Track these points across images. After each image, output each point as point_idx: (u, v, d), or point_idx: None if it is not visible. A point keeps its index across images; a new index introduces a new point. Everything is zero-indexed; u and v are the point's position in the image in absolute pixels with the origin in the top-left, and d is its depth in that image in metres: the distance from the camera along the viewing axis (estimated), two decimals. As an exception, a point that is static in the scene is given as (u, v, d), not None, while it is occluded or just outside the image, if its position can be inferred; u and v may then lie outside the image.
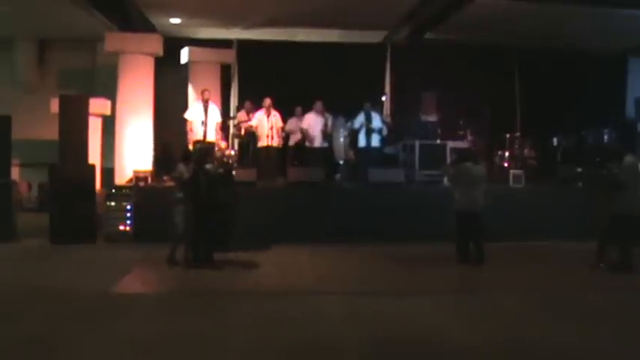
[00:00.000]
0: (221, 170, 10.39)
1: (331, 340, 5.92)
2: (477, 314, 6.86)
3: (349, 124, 13.97)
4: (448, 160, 12.88)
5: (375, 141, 13.73)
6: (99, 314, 6.68)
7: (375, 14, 14.52)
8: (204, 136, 13.14)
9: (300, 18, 15.07)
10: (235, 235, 10.91)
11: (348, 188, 13.01)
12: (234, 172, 11.46)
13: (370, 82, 16.54)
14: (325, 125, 13.87)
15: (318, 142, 13.92)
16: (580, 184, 12.52)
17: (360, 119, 13.64)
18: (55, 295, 7.53)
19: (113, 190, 12.01)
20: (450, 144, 13.44)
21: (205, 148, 9.64)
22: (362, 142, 13.71)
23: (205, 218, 9.11)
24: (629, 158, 8.97)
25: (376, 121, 13.73)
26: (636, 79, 18.17)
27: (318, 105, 13.94)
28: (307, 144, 13.99)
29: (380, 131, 13.82)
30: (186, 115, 13.55)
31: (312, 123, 13.90)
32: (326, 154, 13.97)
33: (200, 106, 13.42)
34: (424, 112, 14.60)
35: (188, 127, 13.36)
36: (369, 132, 13.58)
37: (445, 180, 12.26)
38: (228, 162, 12.63)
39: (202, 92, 13.60)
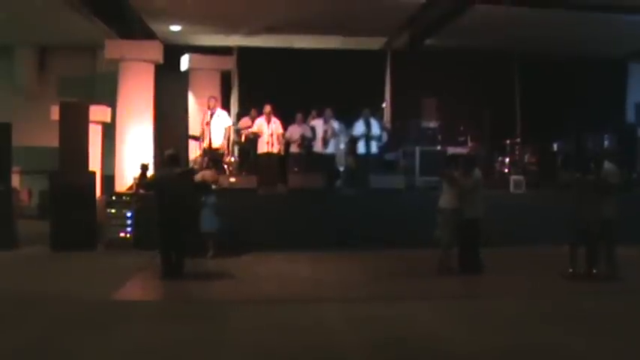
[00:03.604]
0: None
1: (332, 346, 5.90)
2: (477, 320, 6.84)
3: (349, 130, 13.98)
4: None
5: (374, 148, 13.72)
6: (99, 321, 6.66)
7: (375, 21, 14.55)
8: (210, 143, 13.20)
9: (301, 25, 15.10)
10: (236, 241, 11.02)
11: (349, 195, 13.00)
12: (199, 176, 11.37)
13: (370, 89, 16.56)
14: (325, 132, 13.86)
15: (318, 149, 13.92)
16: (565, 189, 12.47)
17: (359, 127, 13.63)
18: (55, 301, 7.50)
19: (113, 197, 12.00)
20: (450, 150, 13.43)
21: (170, 154, 9.43)
22: (361, 148, 13.70)
23: (165, 224, 8.92)
24: (607, 164, 9.00)
25: (375, 128, 13.72)
26: (636, 84, 18.20)
27: (328, 112, 13.95)
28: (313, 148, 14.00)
29: (379, 138, 13.81)
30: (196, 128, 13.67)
31: (317, 128, 13.94)
32: (327, 160, 13.95)
33: (207, 113, 13.51)
34: (424, 118, 14.61)
35: (200, 136, 13.48)
36: (368, 139, 13.58)
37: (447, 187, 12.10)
38: (193, 166, 12.62)
39: (208, 100, 13.69)
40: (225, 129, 13.55)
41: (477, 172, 9.60)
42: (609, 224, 8.71)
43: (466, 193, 9.22)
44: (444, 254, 9.33)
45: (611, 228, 8.72)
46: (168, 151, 9.41)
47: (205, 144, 13.30)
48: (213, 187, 10.98)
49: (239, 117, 15.25)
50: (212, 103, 13.55)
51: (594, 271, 8.81)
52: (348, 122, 14.13)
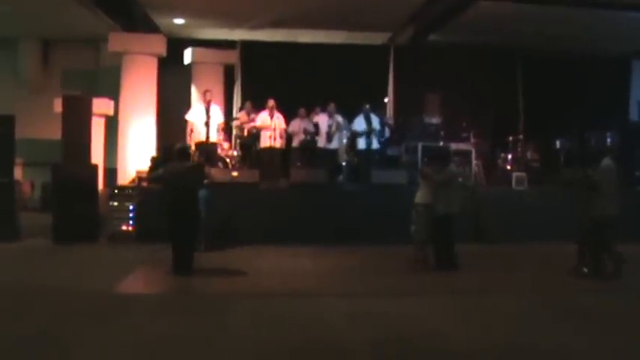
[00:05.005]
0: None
1: (333, 341, 5.92)
2: (478, 316, 6.86)
3: (350, 126, 13.96)
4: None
5: (375, 143, 13.69)
6: (101, 314, 6.68)
7: (379, 16, 14.53)
8: (207, 137, 13.18)
9: (304, 19, 15.09)
10: (238, 234, 11.03)
11: (351, 189, 13.00)
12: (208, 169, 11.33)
13: (374, 84, 16.53)
14: (330, 127, 13.87)
15: (322, 143, 13.93)
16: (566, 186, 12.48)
17: (360, 122, 13.58)
18: (56, 294, 7.53)
19: (116, 190, 12.02)
20: (453, 146, 13.41)
21: (180, 147, 9.36)
22: (362, 144, 13.68)
23: (174, 218, 8.81)
24: (606, 161, 8.93)
25: (375, 123, 13.68)
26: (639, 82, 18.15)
27: (331, 106, 13.95)
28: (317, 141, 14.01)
29: (380, 133, 13.78)
30: (188, 117, 13.52)
31: (321, 123, 13.94)
32: (330, 155, 13.96)
33: (202, 107, 13.45)
34: (427, 114, 14.59)
35: (189, 129, 13.38)
36: (368, 134, 13.56)
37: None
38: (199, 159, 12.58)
39: (204, 93, 13.63)
40: (218, 124, 13.51)
41: (452, 168, 9.62)
42: (597, 222, 8.62)
43: (439, 188, 9.22)
44: (417, 250, 9.35)
45: (600, 226, 8.63)
46: (178, 145, 9.39)
47: (201, 137, 13.26)
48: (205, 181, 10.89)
49: (240, 110, 15.27)
50: (208, 96, 13.51)
51: (584, 269, 8.77)
52: (350, 117, 14.14)
